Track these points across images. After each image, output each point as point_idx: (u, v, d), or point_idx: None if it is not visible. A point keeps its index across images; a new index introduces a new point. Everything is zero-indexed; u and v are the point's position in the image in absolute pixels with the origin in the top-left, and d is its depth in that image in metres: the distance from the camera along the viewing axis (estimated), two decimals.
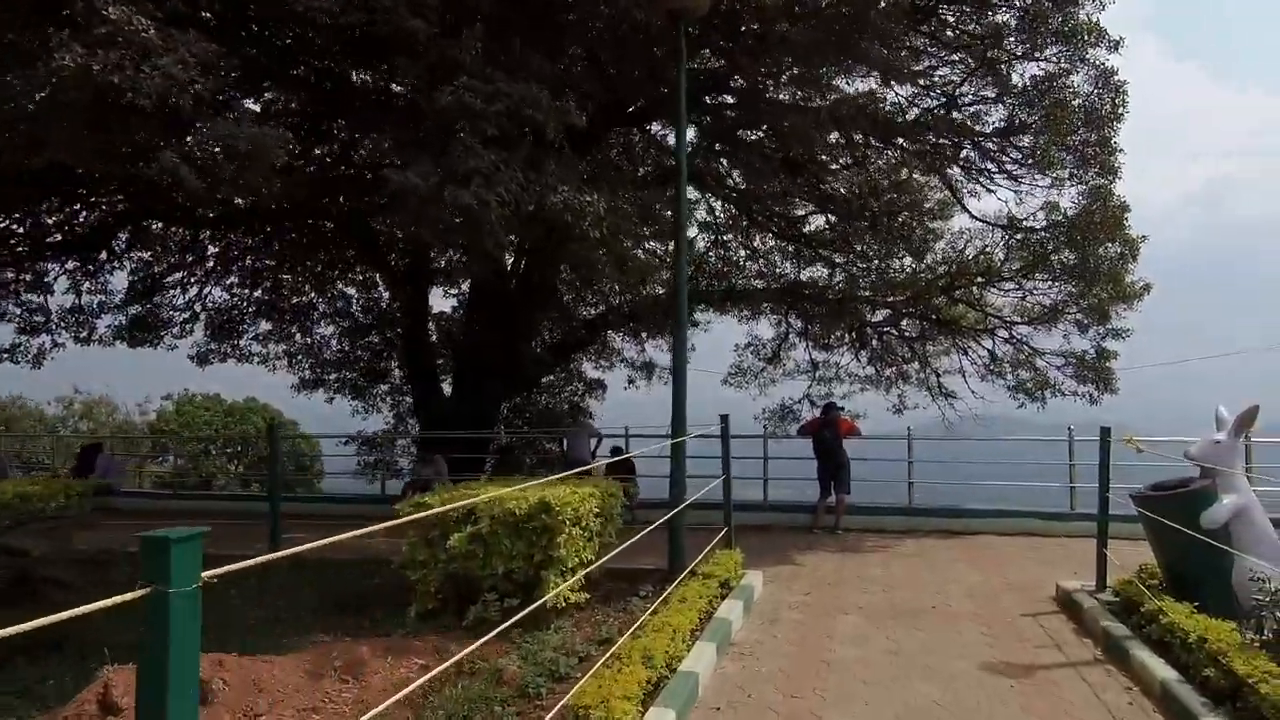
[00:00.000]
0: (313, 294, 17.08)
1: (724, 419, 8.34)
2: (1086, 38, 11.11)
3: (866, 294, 16.18)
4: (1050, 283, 14.29)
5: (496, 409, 15.43)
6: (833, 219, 15.86)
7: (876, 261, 15.90)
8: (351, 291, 17.62)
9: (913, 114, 13.47)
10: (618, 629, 5.58)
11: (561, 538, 5.79)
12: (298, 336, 17.64)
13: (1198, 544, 5.16)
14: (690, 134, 13.48)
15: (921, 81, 13.53)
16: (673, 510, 7.19)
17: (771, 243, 17.54)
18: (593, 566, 6.12)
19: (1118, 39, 11.16)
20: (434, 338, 16.93)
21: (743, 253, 17.90)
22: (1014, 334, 15.03)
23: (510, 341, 14.16)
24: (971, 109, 13.19)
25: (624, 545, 6.07)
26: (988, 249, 14.56)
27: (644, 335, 18.15)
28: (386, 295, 17.24)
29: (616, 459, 11.62)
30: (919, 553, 9.78)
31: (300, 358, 17.87)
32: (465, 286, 16.94)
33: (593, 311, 17.68)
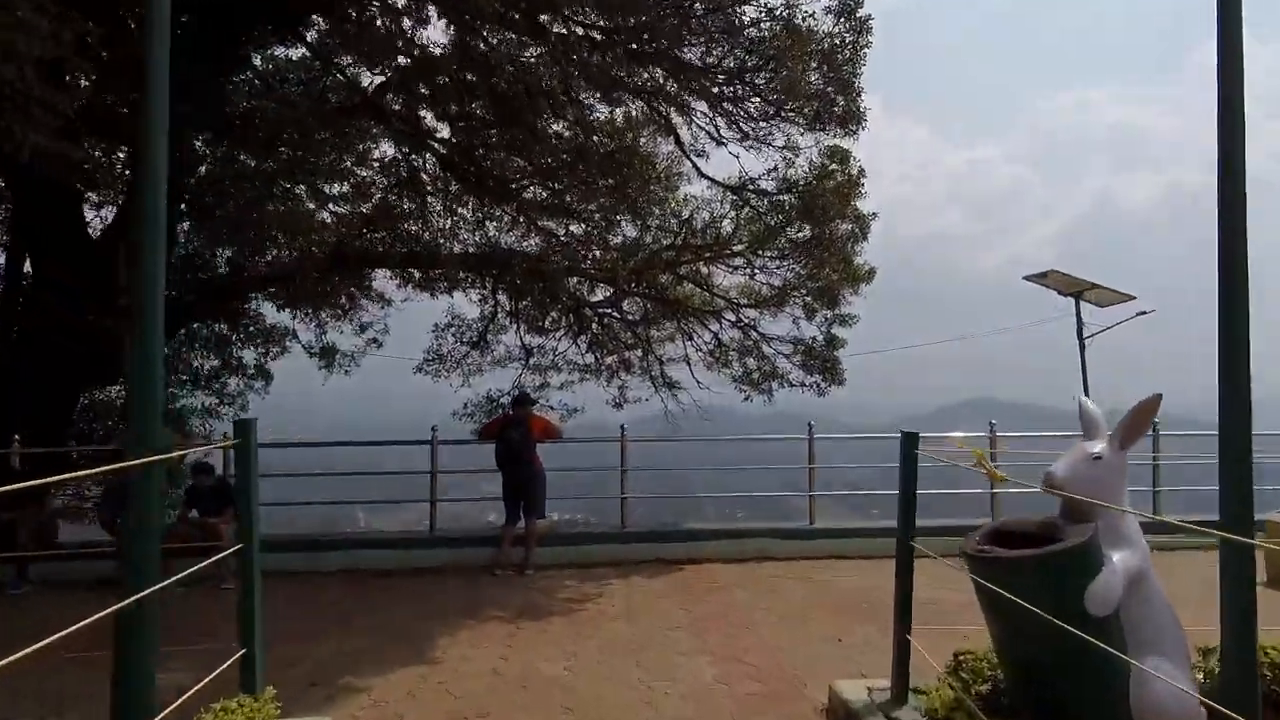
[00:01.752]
0: None
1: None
2: None
3: (587, 268, 13.64)
4: (779, 260, 12.64)
5: (63, 401, 10.63)
6: (553, 183, 13.08)
7: (597, 232, 13.39)
8: None
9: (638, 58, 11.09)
10: None
11: None
12: None
13: (1070, 638, 2.83)
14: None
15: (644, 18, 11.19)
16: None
17: (484, 209, 14.41)
18: None
19: None
20: None
21: (448, 220, 14.59)
22: (741, 317, 13.25)
23: (81, 294, 9.64)
24: (699, 49, 11.05)
25: None
26: (716, 219, 12.59)
27: (309, 309, 14.17)
28: None
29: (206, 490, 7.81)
30: (626, 611, 6.90)
31: None
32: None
33: (223, 264, 13.11)
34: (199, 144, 10.60)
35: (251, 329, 14.63)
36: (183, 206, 10.85)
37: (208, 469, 7.98)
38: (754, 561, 8.12)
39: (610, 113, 12.07)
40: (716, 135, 11.28)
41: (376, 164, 12.15)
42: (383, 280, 14.37)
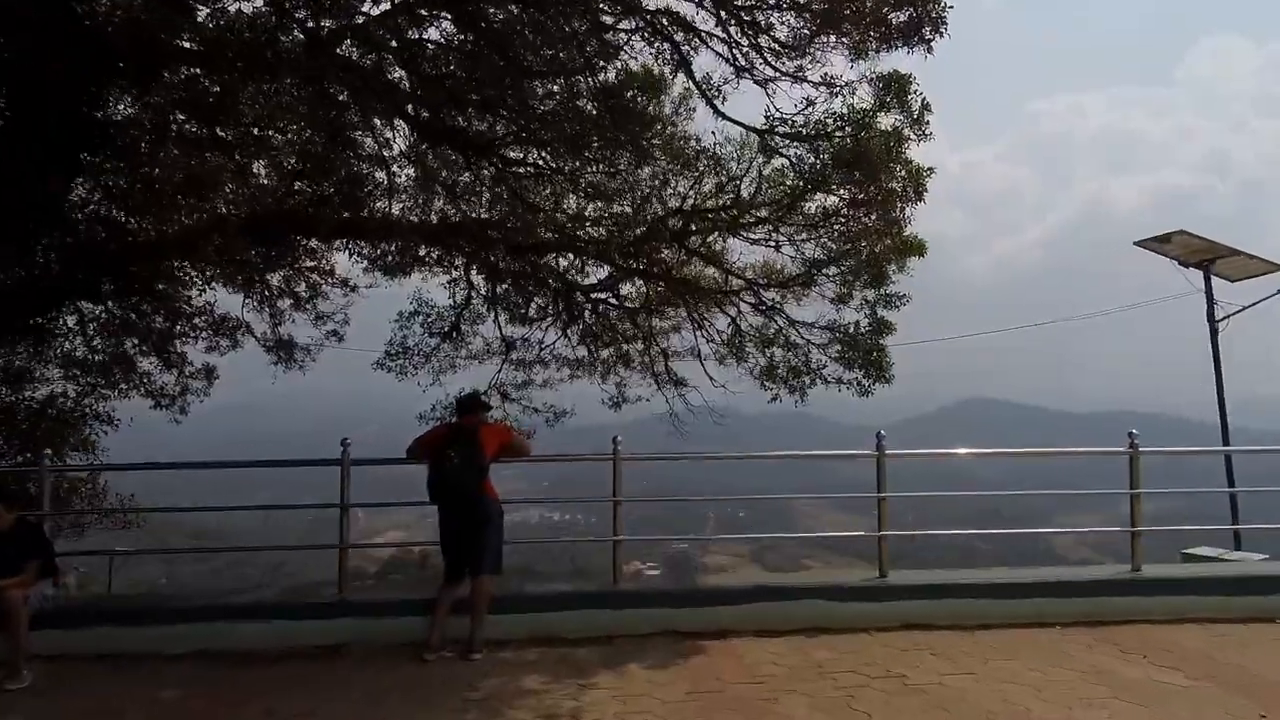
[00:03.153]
0: None
1: None
2: None
3: (577, 240, 11.16)
4: (812, 229, 10.11)
5: None
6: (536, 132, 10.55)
7: (596, 201, 10.86)
8: None
9: None
10: None
11: None
12: None
13: None
14: None
15: None
16: None
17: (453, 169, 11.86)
18: None
19: None
20: None
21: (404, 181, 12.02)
22: (763, 299, 10.71)
23: None
24: None
25: None
26: (734, 178, 10.04)
27: (237, 288, 11.65)
28: None
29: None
30: None
31: None
32: None
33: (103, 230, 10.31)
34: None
35: (196, 320, 12.08)
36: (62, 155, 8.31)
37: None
38: (803, 634, 5.52)
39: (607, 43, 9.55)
40: (738, 63, 8.73)
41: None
42: (346, 264, 11.89)
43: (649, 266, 10.88)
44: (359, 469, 5.94)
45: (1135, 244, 8.33)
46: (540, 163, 10.52)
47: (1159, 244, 8.25)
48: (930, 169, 9.25)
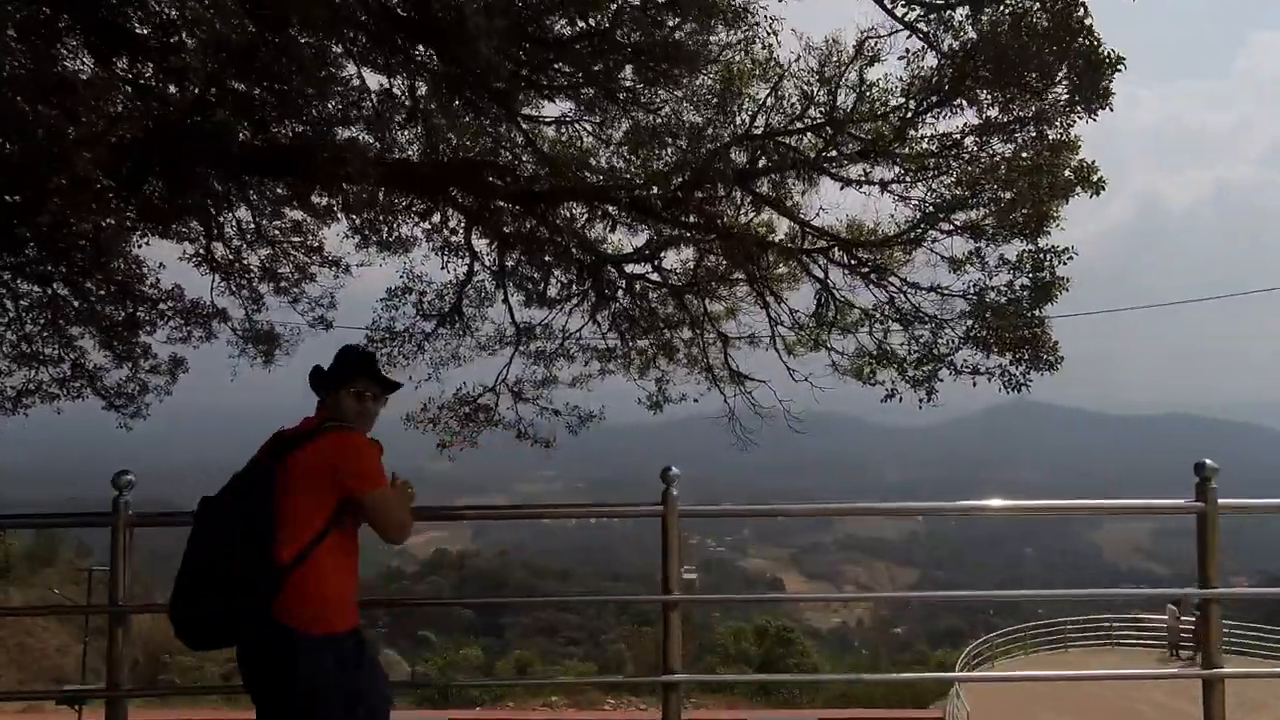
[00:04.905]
0: None
1: None
2: None
3: (609, 190, 8.28)
4: (935, 159, 7.08)
5: None
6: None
7: (634, 113, 7.88)
8: None
9: None
10: None
11: None
12: None
13: None
14: None
15: None
16: None
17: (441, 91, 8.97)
18: None
19: None
20: None
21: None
22: (861, 259, 7.66)
23: None
24: None
25: None
26: (828, 82, 7.02)
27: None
28: None
29: None
30: None
31: None
32: None
33: None
34: None
35: (162, 306, 9.38)
36: None
37: None
38: None
39: None
40: None
41: None
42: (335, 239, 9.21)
43: (702, 220, 7.91)
44: None
45: None
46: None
47: None
48: (1120, 58, 6.16)
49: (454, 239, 9.58)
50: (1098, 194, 6.46)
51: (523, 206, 8.71)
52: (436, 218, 8.88)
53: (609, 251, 9.84)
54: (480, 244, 9.57)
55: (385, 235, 9.11)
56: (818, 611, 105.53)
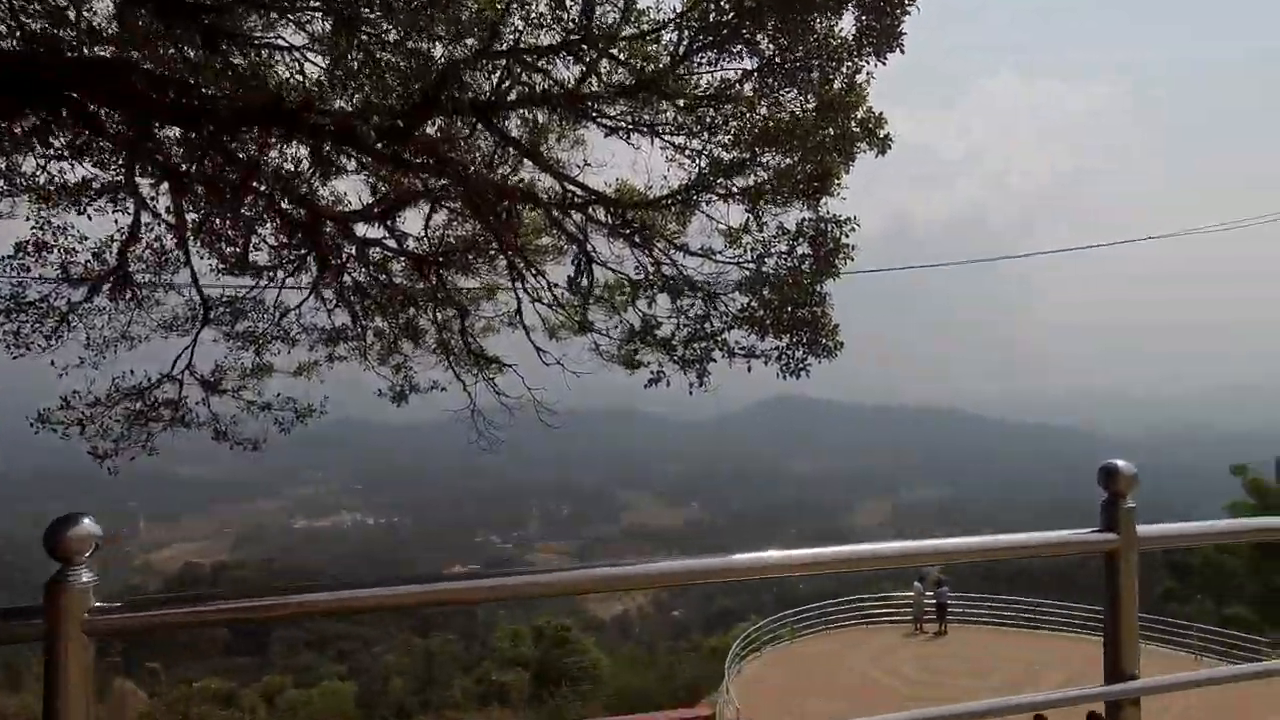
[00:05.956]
0: None
1: None
2: None
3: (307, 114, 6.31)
4: (708, 107, 5.93)
5: None
6: None
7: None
8: None
9: None
10: None
11: None
12: None
13: None
14: None
15: None
16: None
17: None
18: None
19: None
20: None
21: None
22: (628, 219, 6.37)
23: None
24: None
25: None
26: None
27: None
28: None
29: None
30: None
31: None
32: None
33: None
34: None
35: None
36: None
37: None
38: None
39: None
40: None
41: None
42: None
43: (433, 162, 6.21)
44: None
45: None
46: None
47: None
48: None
49: (107, 177, 7.13)
50: (883, 153, 5.60)
51: (199, 135, 6.53)
52: (66, 138, 6.42)
53: (330, 207, 7.88)
54: (144, 184, 7.20)
55: None
56: (602, 601, 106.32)
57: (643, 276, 5.97)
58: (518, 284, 7.59)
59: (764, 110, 5.84)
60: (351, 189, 8.96)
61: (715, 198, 6.39)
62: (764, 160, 5.93)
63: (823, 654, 17.26)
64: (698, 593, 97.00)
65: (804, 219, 5.76)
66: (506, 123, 6.53)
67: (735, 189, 6.25)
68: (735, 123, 6.01)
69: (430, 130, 6.40)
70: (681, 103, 6.08)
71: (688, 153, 6.23)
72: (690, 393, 5.62)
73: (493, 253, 7.81)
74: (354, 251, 8.43)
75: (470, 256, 8.21)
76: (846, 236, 5.61)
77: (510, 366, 6.89)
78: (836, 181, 5.62)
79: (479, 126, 6.14)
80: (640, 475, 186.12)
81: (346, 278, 8.65)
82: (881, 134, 5.57)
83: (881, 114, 5.39)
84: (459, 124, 6.06)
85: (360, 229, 8.25)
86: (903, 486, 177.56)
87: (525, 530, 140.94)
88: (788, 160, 5.65)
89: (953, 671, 15.74)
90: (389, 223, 8.16)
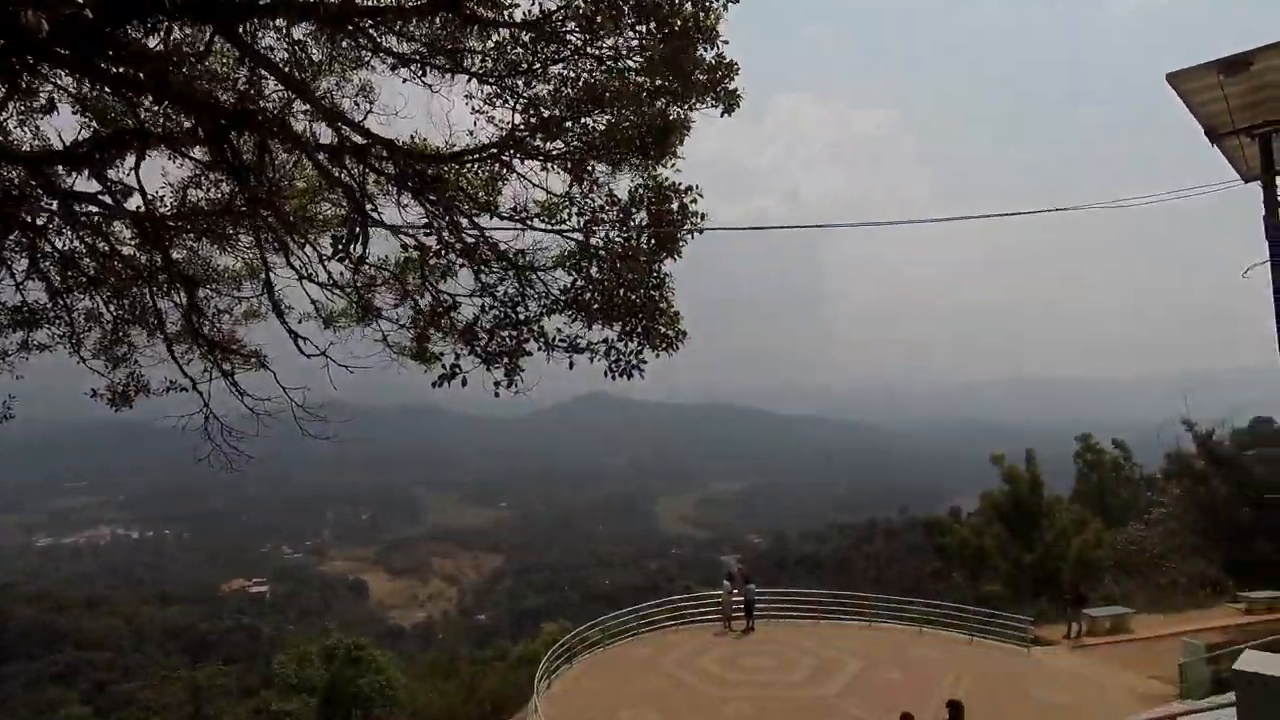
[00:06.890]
0: None
1: None
2: None
3: None
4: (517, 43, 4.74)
5: None
6: None
7: None
8: None
9: None
10: None
11: None
12: None
13: None
14: None
15: None
16: None
17: None
18: None
19: None
20: None
21: None
22: (417, 170, 4.99)
23: None
24: None
25: None
26: None
27: None
28: None
29: None
30: None
31: None
32: None
33: None
34: None
35: None
36: None
37: None
38: None
39: None
40: None
41: None
42: None
43: (152, 82, 4.50)
44: None
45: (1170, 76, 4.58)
46: None
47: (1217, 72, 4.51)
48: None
49: None
50: (730, 112, 4.67)
51: None
52: None
53: (10, 144, 5.81)
54: None
55: None
56: (403, 608, 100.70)
57: (436, 242, 4.63)
58: (283, 255, 5.95)
59: (595, 51, 4.73)
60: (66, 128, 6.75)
61: (533, 158, 5.20)
62: (593, 112, 4.81)
63: (635, 659, 16.55)
64: (505, 595, 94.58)
65: (639, 184, 4.72)
66: (261, 43, 4.92)
67: (555, 150, 5.08)
68: (560, 65, 4.86)
69: (146, 40, 4.66)
70: (493, 35, 4.84)
71: (501, 102, 4.99)
72: (496, 394, 4.38)
73: (249, 216, 6.08)
74: (55, 207, 6.36)
75: (223, 221, 6.41)
76: (694, 204, 4.66)
77: (264, 360, 5.26)
78: (678, 135, 4.64)
79: (216, 38, 4.51)
80: (446, 475, 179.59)
81: (44, 243, 6.56)
82: (732, 87, 4.65)
83: (733, 62, 4.47)
84: (185, 30, 4.40)
85: (65, 180, 6.19)
86: (711, 479, 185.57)
87: (319, 538, 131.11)
88: (622, 112, 4.57)
89: (762, 668, 15.63)
90: (102, 172, 6.17)
